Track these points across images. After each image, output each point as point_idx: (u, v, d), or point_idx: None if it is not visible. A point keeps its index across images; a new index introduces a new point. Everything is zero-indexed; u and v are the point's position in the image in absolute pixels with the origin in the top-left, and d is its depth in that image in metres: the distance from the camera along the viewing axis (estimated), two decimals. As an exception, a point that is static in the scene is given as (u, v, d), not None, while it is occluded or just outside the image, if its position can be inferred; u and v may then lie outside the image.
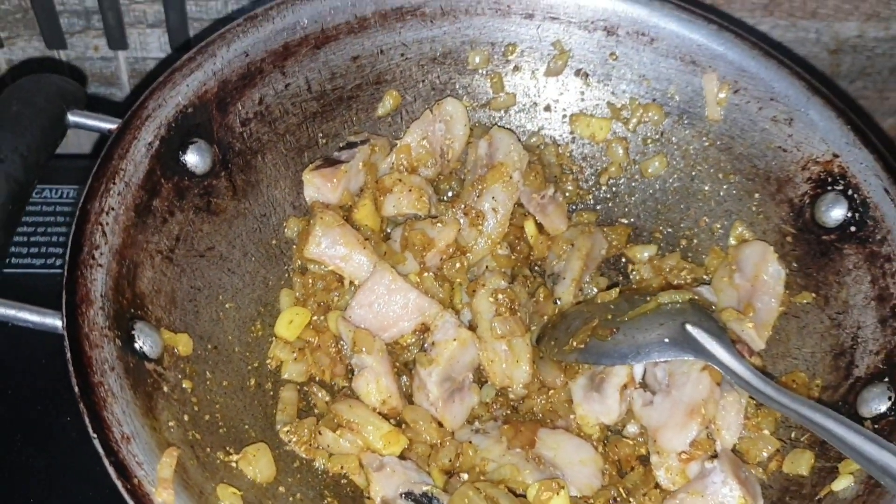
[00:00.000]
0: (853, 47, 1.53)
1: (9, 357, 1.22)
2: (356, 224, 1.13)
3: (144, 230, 0.99)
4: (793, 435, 1.02)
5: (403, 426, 1.04)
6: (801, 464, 0.98)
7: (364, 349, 1.04)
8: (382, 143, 1.18)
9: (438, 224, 1.12)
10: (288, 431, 1.02)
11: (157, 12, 1.44)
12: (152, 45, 1.49)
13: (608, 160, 1.24)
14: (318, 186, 1.14)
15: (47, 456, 1.16)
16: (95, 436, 0.83)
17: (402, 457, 1.01)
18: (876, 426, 0.95)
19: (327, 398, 1.06)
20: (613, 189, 1.24)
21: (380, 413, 1.04)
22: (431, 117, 1.19)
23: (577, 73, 1.22)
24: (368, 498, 0.99)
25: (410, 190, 1.15)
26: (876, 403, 0.96)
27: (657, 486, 1.01)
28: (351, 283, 1.11)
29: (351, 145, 1.17)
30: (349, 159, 1.15)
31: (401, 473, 0.97)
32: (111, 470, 0.82)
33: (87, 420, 0.84)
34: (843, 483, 0.92)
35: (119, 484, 0.82)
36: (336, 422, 1.02)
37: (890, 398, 0.95)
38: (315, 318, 1.10)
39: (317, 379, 1.08)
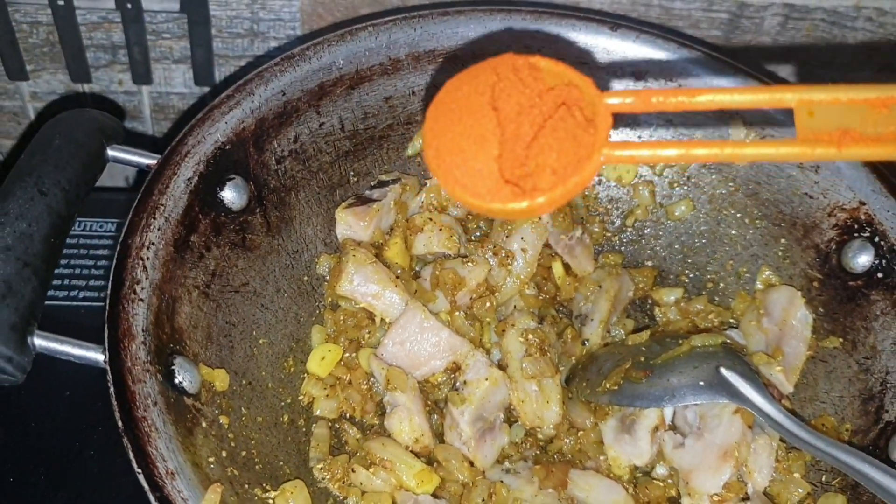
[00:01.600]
0: (866, 96, 1.56)
1: (32, 390, 1.21)
2: (387, 262, 1.14)
3: (182, 265, 1.00)
4: (823, 479, 1.03)
5: (435, 465, 1.04)
6: (834, 507, 0.99)
7: (397, 387, 1.04)
8: (413, 183, 1.19)
9: (469, 263, 1.13)
10: (321, 468, 1.02)
11: (184, 48, 1.45)
12: (177, 80, 1.51)
13: (634, 203, 1.25)
14: (350, 224, 1.15)
15: (68, 490, 1.15)
16: (140, 471, 0.83)
17: (434, 496, 1.01)
18: (908, 471, 0.96)
19: (358, 436, 1.06)
20: (640, 232, 1.26)
21: (412, 451, 1.04)
22: (461, 158, 1.21)
23: (605, 116, 1.24)
24: (402, 537, 0.99)
25: (441, 229, 1.16)
26: (908, 449, 0.97)
27: (689, 527, 1.01)
28: (382, 320, 1.11)
29: (382, 184, 1.18)
30: (381, 198, 1.16)
31: (435, 512, 0.97)
32: (157, 506, 0.82)
33: (131, 455, 0.84)
34: (878, 527, 0.93)
35: (165, 520, 0.82)
36: (369, 460, 1.02)
37: (922, 444, 0.97)
38: (346, 354, 1.11)
39: (347, 416, 1.09)
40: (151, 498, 0.82)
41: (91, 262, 1.36)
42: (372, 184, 1.19)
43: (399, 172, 1.21)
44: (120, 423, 0.85)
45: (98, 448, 1.19)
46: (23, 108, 1.54)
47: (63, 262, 1.35)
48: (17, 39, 1.42)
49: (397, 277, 1.12)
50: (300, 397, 1.08)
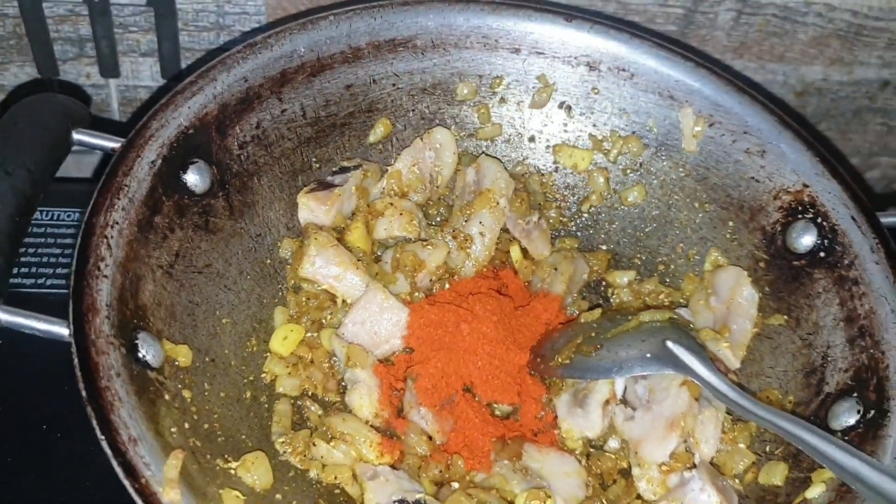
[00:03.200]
0: (818, 90, 1.61)
1: (7, 378, 1.23)
2: (348, 246, 1.17)
3: (146, 245, 1.02)
4: (767, 448, 1.07)
5: (394, 439, 1.07)
6: (776, 474, 1.02)
7: (358, 364, 1.07)
8: (374, 169, 1.23)
9: (429, 246, 1.17)
10: (283, 442, 1.04)
11: (151, 41, 1.48)
12: (144, 73, 1.53)
13: (590, 189, 1.29)
14: (312, 209, 1.18)
15: (37, 473, 1.16)
16: (103, 437, 0.85)
17: (393, 467, 1.04)
18: (846, 438, 1.00)
19: (320, 412, 1.09)
20: (595, 217, 1.29)
21: (372, 426, 1.07)
22: (422, 145, 1.24)
23: (561, 105, 1.28)
24: (362, 506, 1.02)
25: (401, 214, 1.19)
26: (846, 417, 1.01)
27: (639, 496, 1.04)
28: (343, 301, 1.14)
29: (344, 170, 1.21)
30: (342, 183, 1.19)
31: (394, 482, 1.00)
32: (119, 470, 0.84)
33: (94, 423, 0.86)
34: (816, 490, 0.97)
35: (127, 483, 0.84)
36: (330, 434, 1.04)
37: (858, 412, 1.00)
38: (308, 334, 1.13)
39: (310, 393, 1.11)
40: (114, 463, 0.84)
41: (58, 251, 1.37)
42: (334, 170, 1.22)
43: (360, 159, 1.24)
44: (84, 393, 0.88)
45: (66, 431, 1.20)
46: (-10, 100, 1.55)
47: (30, 250, 1.37)
48: (-16, 32, 1.44)
49: (358, 261, 1.15)
50: (263, 375, 1.10)
